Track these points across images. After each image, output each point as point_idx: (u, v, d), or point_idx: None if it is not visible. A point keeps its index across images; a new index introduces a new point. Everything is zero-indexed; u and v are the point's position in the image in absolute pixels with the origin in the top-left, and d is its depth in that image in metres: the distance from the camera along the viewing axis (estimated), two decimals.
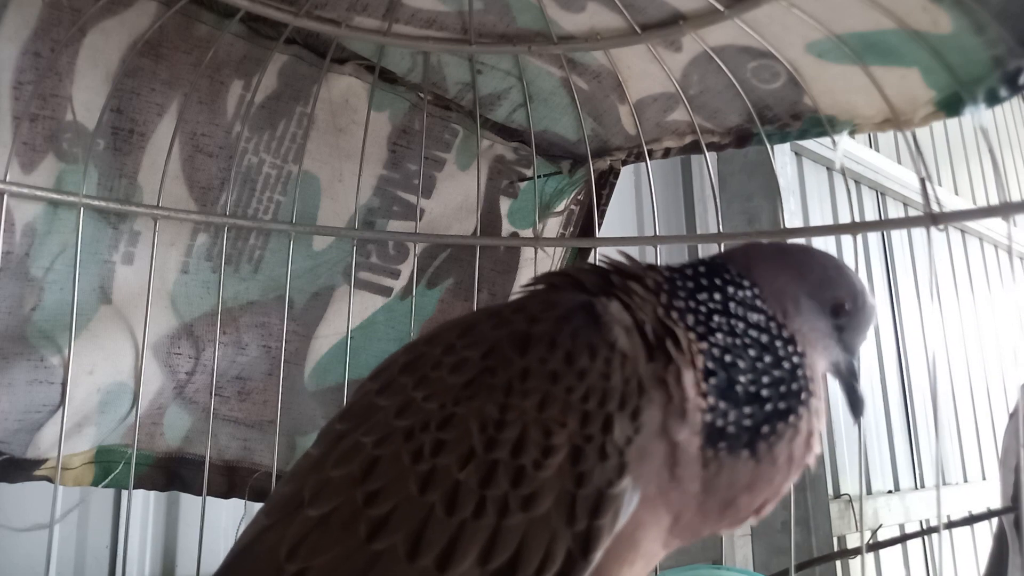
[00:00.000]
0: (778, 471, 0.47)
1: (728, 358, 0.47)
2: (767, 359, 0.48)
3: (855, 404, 0.56)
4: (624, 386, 0.43)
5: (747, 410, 0.46)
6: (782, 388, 0.48)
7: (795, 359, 0.49)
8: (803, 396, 0.48)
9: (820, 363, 0.53)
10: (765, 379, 0.48)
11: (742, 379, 0.47)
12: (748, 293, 0.51)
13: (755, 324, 0.50)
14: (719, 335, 0.48)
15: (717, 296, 0.50)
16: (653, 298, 0.49)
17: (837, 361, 0.54)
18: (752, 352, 0.48)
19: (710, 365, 0.47)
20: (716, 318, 0.49)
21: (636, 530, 0.44)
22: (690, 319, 0.48)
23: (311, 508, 0.43)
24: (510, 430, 0.42)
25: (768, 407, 0.47)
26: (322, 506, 0.42)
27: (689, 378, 0.45)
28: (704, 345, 0.47)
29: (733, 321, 0.49)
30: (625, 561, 0.44)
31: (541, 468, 0.41)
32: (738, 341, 0.48)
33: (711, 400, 0.46)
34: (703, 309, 0.49)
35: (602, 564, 0.41)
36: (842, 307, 0.53)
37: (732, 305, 0.50)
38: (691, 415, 0.45)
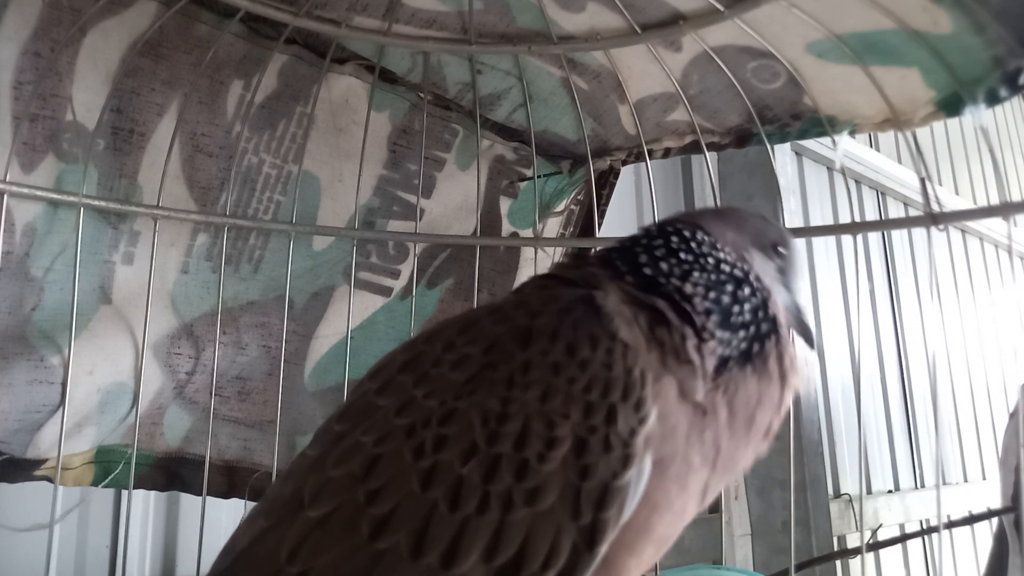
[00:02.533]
0: (775, 386, 0.51)
1: (713, 295, 0.50)
2: (745, 290, 0.52)
3: (807, 336, 0.61)
4: (627, 376, 0.43)
5: (742, 334, 0.50)
6: (760, 313, 0.52)
7: (761, 293, 0.53)
8: (776, 323, 0.53)
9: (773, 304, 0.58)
10: (747, 306, 0.51)
11: (734, 309, 0.51)
12: (709, 240, 0.54)
13: (724, 261, 0.53)
14: (696, 274, 0.51)
15: (675, 239, 0.54)
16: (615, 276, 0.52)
17: (786, 303, 0.59)
18: (730, 287, 0.52)
19: (708, 305, 0.50)
20: (682, 255, 0.52)
21: (651, 515, 0.43)
22: (665, 267, 0.51)
23: (311, 509, 0.42)
24: (512, 423, 0.41)
25: (753, 329, 0.51)
26: (323, 506, 0.42)
27: (692, 343, 0.48)
28: (690, 287, 0.50)
29: (703, 260, 0.52)
30: (634, 551, 0.43)
31: (545, 461, 0.40)
32: (713, 277, 0.52)
33: (719, 335, 0.49)
34: (675, 258, 0.52)
35: (609, 554, 0.41)
36: (778, 248, 0.58)
37: (695, 246, 0.53)
38: (701, 366, 0.47)
